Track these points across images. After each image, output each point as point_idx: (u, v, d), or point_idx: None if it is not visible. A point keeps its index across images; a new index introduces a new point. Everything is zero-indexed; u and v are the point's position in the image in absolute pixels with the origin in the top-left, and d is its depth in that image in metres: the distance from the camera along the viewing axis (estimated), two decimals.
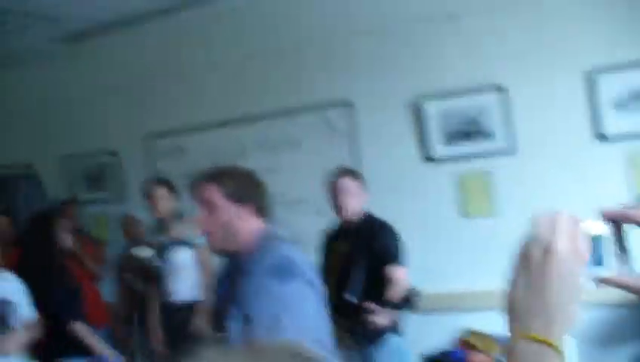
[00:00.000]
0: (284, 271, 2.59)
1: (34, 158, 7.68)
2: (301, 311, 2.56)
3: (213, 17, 6.38)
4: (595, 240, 1.03)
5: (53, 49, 6.98)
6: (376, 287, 4.09)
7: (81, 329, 4.82)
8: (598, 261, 1.04)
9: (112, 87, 7.07)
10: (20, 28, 6.14)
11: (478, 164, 5.37)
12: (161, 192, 5.31)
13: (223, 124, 6.44)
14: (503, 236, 5.24)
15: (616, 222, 1.07)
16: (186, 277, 5.22)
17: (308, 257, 2.83)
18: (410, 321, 3.94)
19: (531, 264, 1.01)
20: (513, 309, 1.02)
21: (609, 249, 1.05)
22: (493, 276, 5.20)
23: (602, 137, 5.00)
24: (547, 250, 1.01)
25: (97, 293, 6.24)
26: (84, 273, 5.77)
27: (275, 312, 2.51)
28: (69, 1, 5.62)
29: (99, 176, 7.28)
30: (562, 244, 1.00)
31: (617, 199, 4.64)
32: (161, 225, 5.19)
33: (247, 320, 2.59)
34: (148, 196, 5.39)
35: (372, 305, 3.68)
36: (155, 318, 5.34)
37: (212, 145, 6.51)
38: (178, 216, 5.25)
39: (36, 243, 5.00)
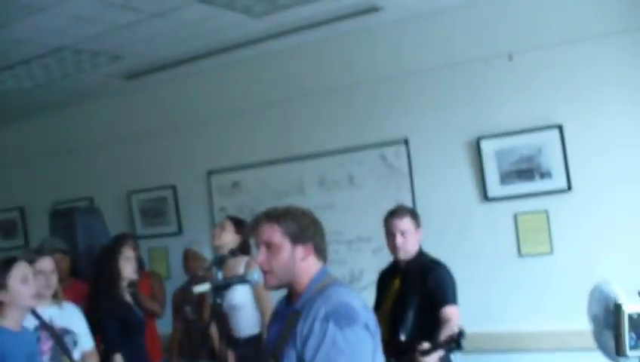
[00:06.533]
0: (343, 317, 2.60)
1: (95, 192, 7.86)
2: (357, 359, 2.60)
3: (272, 57, 6.49)
4: None
5: (115, 85, 7.15)
6: (428, 327, 4.03)
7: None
8: None
9: (171, 123, 7.21)
10: (82, 65, 6.30)
11: (534, 203, 5.33)
12: (228, 226, 5.38)
13: (281, 161, 6.51)
14: (560, 275, 5.18)
15: None
16: (245, 316, 5.28)
17: (362, 299, 2.81)
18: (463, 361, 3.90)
19: None
20: None
21: None
22: (550, 316, 5.14)
23: None
24: None
25: (154, 329, 6.30)
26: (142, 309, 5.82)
27: (331, 358, 2.55)
28: (132, 41, 5.76)
29: (158, 211, 7.41)
30: None
31: None
32: (220, 259, 5.27)
33: (301, 361, 2.63)
34: (216, 226, 5.46)
35: (424, 345, 3.62)
36: (224, 348, 5.38)
37: (269, 181, 6.58)
38: (237, 252, 5.31)
39: (100, 275, 5.10)
